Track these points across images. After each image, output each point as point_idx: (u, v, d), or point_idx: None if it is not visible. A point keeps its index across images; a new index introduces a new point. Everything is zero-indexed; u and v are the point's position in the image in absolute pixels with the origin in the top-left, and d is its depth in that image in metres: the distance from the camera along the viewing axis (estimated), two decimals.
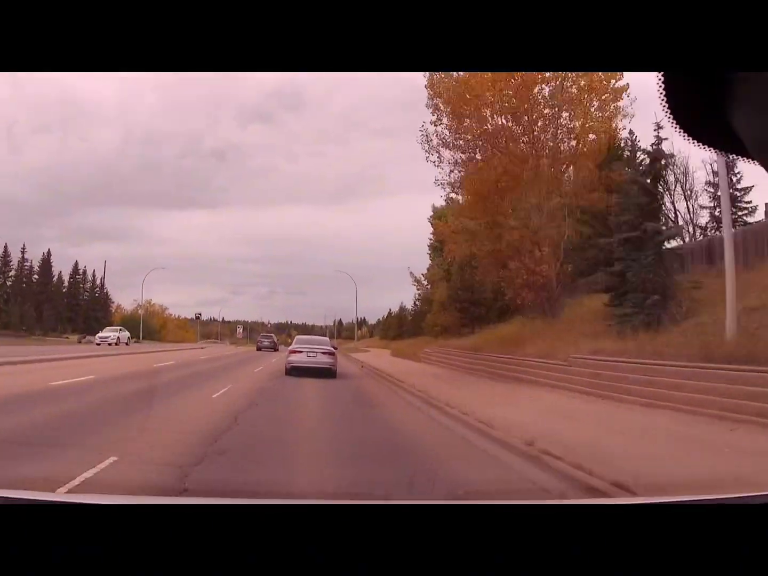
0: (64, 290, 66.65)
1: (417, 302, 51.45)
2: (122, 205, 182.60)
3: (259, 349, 40.21)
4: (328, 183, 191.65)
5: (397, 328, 59.89)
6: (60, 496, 3.39)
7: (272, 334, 49.34)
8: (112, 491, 3.92)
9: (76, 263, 68.42)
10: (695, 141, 1.01)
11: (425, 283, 45.54)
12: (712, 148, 1.04)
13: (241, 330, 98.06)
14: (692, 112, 0.95)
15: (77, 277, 68.43)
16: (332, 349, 17.14)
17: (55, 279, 65.77)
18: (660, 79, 0.90)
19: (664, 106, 0.94)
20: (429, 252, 44.14)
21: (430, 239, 42.21)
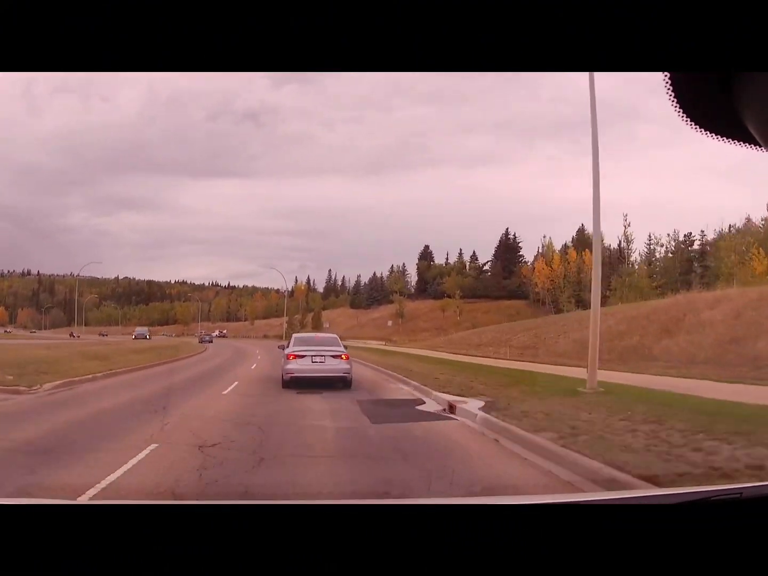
0: None
1: None
2: (150, 172, 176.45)
3: None
4: (366, 152, 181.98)
5: None
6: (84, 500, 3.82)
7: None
8: None
9: None
10: (705, 132, 1.03)
11: None
12: (721, 138, 1.06)
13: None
14: (701, 107, 0.98)
15: None
16: (344, 350, 14.27)
17: None
18: (667, 79, 0.93)
19: (673, 102, 0.96)
20: None
21: None
